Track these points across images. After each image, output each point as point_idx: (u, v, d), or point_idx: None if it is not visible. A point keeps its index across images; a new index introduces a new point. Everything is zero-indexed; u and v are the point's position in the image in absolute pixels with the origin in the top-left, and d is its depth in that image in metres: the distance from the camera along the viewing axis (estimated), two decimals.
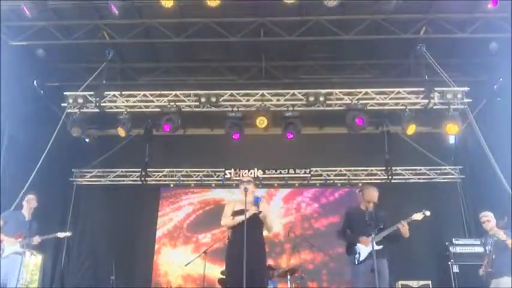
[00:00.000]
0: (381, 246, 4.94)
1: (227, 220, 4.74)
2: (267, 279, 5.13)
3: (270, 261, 9.08)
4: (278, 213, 10.19)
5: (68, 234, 6.77)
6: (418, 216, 4.94)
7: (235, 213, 4.74)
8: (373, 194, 5.21)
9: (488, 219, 5.66)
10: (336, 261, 8.73)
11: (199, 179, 10.29)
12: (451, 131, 7.76)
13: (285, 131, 8.31)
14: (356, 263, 5.02)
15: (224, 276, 7.20)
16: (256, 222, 4.68)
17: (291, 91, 8.24)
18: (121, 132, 8.16)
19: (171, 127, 7.99)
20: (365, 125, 7.84)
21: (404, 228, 4.92)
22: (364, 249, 5.02)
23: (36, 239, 6.16)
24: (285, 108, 8.19)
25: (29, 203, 6.29)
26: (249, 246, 4.31)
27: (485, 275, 5.73)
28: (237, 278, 4.26)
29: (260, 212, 4.73)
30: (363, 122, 7.75)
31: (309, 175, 10.09)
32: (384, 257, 4.97)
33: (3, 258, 5.95)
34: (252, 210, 4.65)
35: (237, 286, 4.26)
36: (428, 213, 4.92)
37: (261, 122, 7.95)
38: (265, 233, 4.91)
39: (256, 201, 4.74)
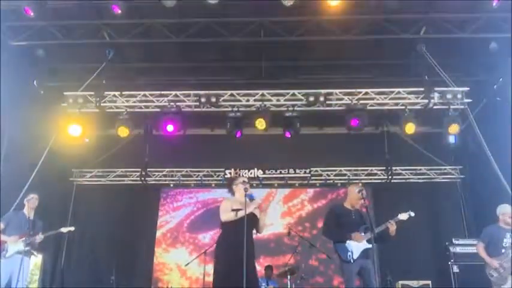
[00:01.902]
0: (372, 245, 5.03)
1: (229, 215, 4.60)
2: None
3: (270, 261, 9.12)
4: (278, 213, 10.20)
5: (71, 229, 6.77)
6: (403, 216, 5.09)
7: (235, 211, 4.68)
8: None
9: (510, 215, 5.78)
10: (336, 261, 8.71)
11: (199, 179, 10.29)
12: (451, 131, 7.77)
13: (285, 131, 8.32)
14: (352, 261, 5.03)
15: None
16: (252, 222, 4.64)
17: (291, 91, 8.22)
18: (123, 132, 8.14)
19: (175, 128, 7.98)
20: (361, 126, 7.81)
21: (392, 227, 5.01)
22: (356, 247, 5.06)
23: (39, 237, 6.19)
24: (285, 108, 8.19)
25: (30, 203, 6.30)
26: (245, 246, 4.26)
27: (501, 270, 5.64)
28: (236, 278, 4.20)
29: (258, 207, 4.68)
30: (358, 123, 7.74)
31: (309, 175, 10.10)
32: (371, 257, 5.13)
33: (7, 258, 5.97)
34: (250, 208, 4.61)
35: (236, 286, 4.21)
36: (412, 214, 5.09)
37: (260, 123, 7.94)
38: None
39: (251, 198, 4.61)
